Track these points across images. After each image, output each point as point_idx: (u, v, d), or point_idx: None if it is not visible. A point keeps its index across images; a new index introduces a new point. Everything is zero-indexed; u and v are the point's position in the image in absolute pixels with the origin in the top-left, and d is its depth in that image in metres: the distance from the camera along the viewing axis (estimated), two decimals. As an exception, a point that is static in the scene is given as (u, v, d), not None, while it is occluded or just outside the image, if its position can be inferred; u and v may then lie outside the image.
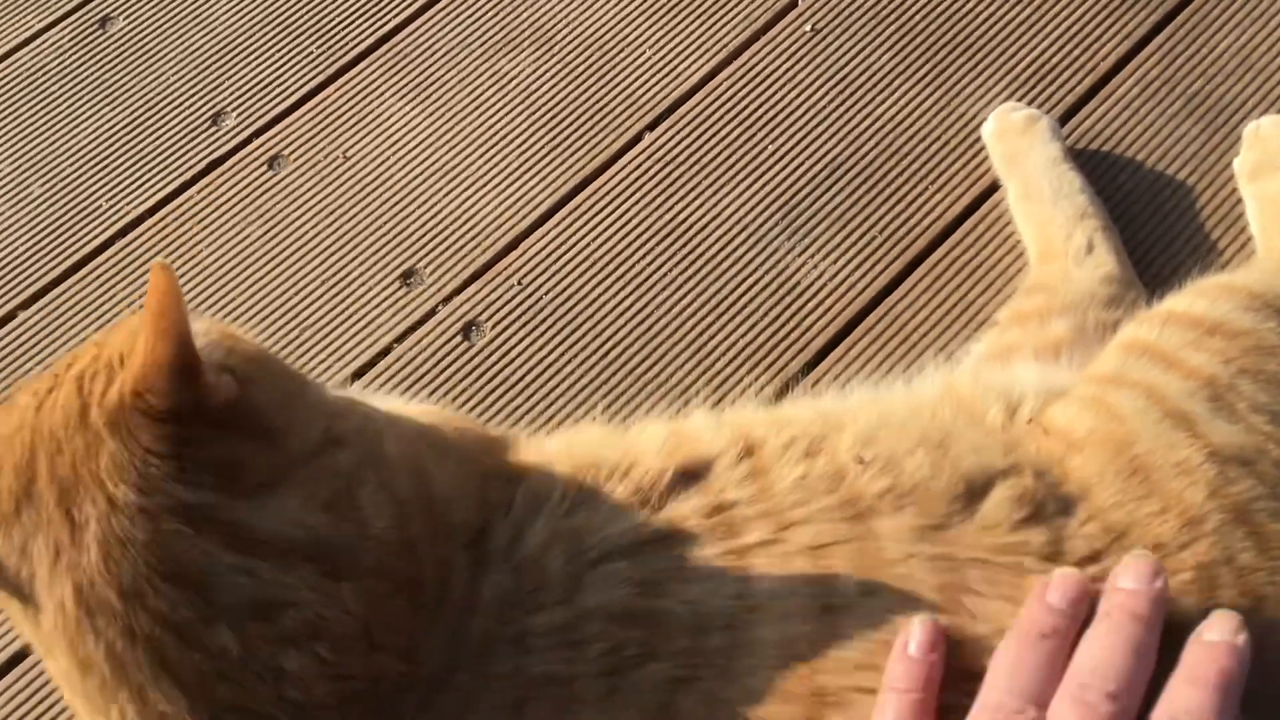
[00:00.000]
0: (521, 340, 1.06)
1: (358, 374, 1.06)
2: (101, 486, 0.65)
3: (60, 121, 1.20)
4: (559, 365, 1.04)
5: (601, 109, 1.17)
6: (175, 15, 1.25)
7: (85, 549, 0.65)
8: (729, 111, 1.15)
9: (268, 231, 1.13)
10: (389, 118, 1.17)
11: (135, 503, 0.64)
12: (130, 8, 1.26)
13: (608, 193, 1.13)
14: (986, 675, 0.67)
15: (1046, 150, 1.04)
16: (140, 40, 1.24)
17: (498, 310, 1.08)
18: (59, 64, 1.23)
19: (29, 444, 0.67)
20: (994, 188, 1.09)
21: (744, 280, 1.07)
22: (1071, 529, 0.71)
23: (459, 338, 1.07)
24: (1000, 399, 0.78)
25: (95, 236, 1.14)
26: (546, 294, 1.08)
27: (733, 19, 1.19)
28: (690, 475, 0.75)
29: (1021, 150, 1.05)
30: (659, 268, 1.08)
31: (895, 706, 0.67)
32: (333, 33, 1.22)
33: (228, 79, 1.21)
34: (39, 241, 1.14)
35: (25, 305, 1.12)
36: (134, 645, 0.64)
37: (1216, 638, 0.65)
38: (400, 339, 1.07)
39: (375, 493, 0.70)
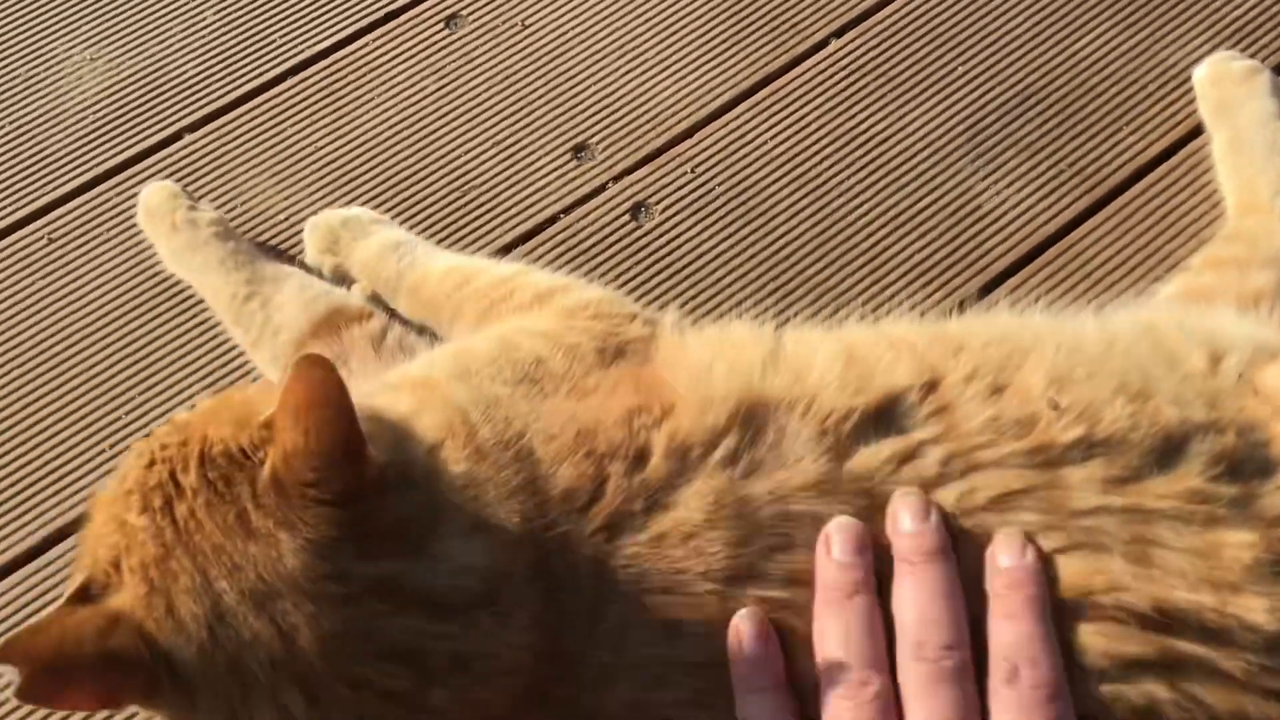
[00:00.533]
0: (690, 228, 1.04)
1: (523, 239, 1.04)
2: (298, 588, 0.65)
3: (238, -46, 1.17)
4: (725, 257, 1.02)
5: (789, 9, 1.15)
6: None
7: (302, 653, 0.64)
8: (920, 28, 1.13)
9: (440, 89, 1.11)
10: (572, -9, 1.14)
11: (336, 594, 0.64)
12: None
13: (790, 93, 1.10)
14: (815, 650, 0.67)
15: (1264, 105, 1.01)
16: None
17: (668, 195, 1.05)
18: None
19: (194, 566, 0.66)
20: (1190, 136, 1.05)
21: (923, 198, 1.05)
22: (1267, 489, 0.69)
23: (627, 217, 1.04)
24: (1203, 345, 0.75)
25: (265, 71, 1.13)
26: (719, 185, 1.06)
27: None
28: (876, 416, 0.72)
29: (1237, 100, 1.02)
30: (837, 174, 1.06)
31: (761, 705, 0.67)
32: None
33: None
34: (209, 67, 1.13)
35: (191, 128, 1.10)
36: None
37: (1009, 561, 0.66)
38: (567, 210, 1.05)
39: (498, 501, 0.69)
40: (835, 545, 0.68)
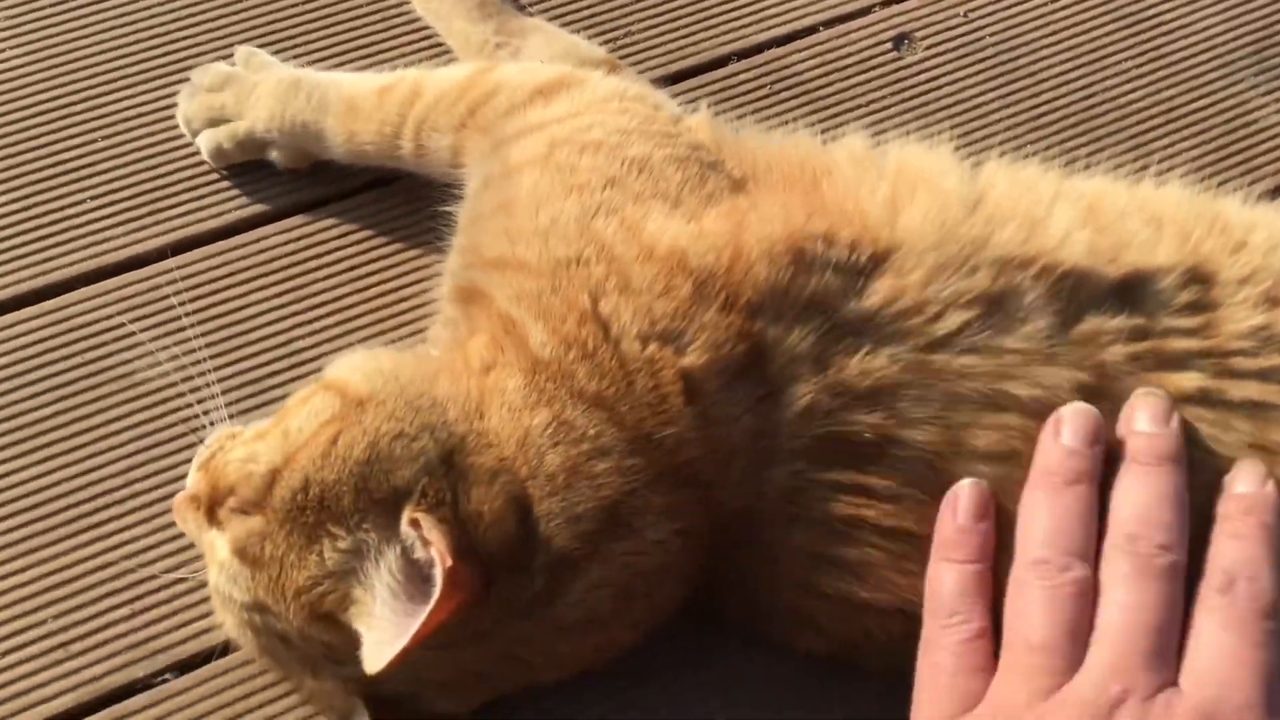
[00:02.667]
0: (951, 71, 0.99)
1: (778, 41, 0.99)
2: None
3: None
4: (982, 110, 0.98)
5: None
6: None
7: None
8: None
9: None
10: None
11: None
12: None
13: (1081, -39, 1.03)
14: (1018, 529, 0.63)
15: None
16: None
17: (935, 32, 1.00)
18: None
19: None
20: None
21: (1199, 98, 1.00)
22: None
23: (889, 45, 0.99)
24: None
25: None
26: (991, 35, 1.00)
27: None
28: (1121, 289, 0.68)
29: None
30: (1114, 53, 1.01)
31: (956, 577, 0.64)
32: None
33: None
34: None
35: None
36: None
37: (1247, 489, 0.64)
38: (829, 24, 1.00)
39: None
40: (1066, 430, 0.64)
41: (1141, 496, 0.64)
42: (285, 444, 0.65)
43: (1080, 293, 0.68)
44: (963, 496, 0.65)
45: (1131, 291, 0.69)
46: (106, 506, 0.78)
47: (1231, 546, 0.63)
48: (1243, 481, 0.65)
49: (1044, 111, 0.97)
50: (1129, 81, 0.99)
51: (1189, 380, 0.67)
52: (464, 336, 0.70)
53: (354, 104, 0.81)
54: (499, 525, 0.62)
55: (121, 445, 0.79)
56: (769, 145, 0.77)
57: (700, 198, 0.70)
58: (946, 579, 0.65)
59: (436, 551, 0.59)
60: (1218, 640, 0.60)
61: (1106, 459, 0.65)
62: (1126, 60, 1.00)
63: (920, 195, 0.70)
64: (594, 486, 0.64)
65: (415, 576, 0.62)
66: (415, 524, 0.61)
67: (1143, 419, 0.65)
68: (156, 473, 0.79)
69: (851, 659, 0.71)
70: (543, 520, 0.63)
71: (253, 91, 0.84)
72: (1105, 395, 0.66)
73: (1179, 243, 0.70)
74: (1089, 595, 0.62)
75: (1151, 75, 1.00)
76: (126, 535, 0.77)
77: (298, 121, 0.83)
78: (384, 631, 0.61)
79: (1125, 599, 0.61)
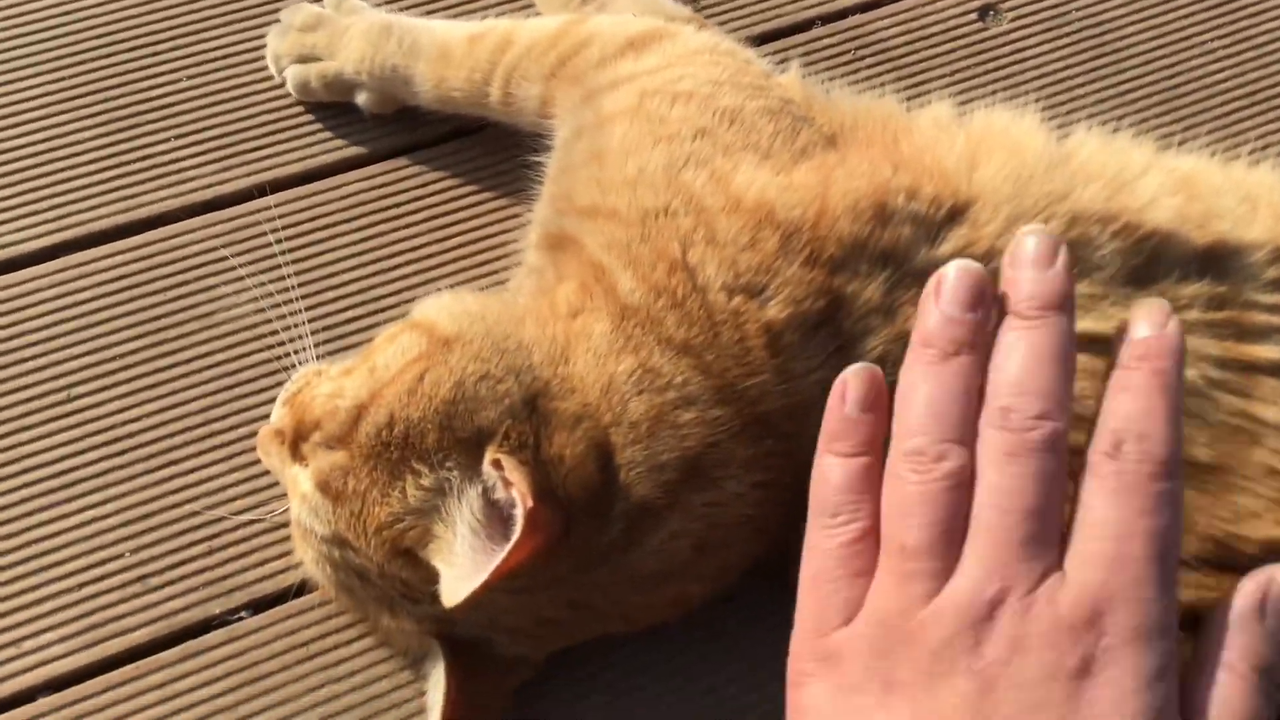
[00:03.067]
0: (1037, 43, 0.98)
1: (862, 8, 0.98)
2: None
3: None
4: (1067, 83, 0.97)
5: None
6: None
7: None
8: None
9: None
10: None
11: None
12: None
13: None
14: (895, 411, 0.57)
15: None
16: None
17: (1023, 4, 0.99)
18: None
19: None
20: None
21: (1284, 73, 0.97)
22: None
23: (974, 15, 0.98)
24: None
25: None
26: (1076, 7, 1.00)
27: None
28: (1205, 257, 0.67)
29: None
30: (1200, 32, 1.01)
31: (841, 471, 0.58)
32: None
33: None
34: None
35: None
36: None
37: (1145, 333, 0.56)
38: (915, -9, 0.98)
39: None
40: (945, 292, 0.56)
41: (1019, 359, 0.55)
42: (371, 380, 0.65)
43: (1163, 254, 0.67)
44: (850, 383, 0.58)
45: (1218, 261, 0.68)
46: (186, 445, 0.78)
47: (1121, 401, 0.55)
48: (1141, 324, 0.56)
49: (1129, 89, 0.96)
50: (1215, 61, 0.98)
51: (1267, 351, 0.66)
52: (552, 282, 0.70)
53: (445, 50, 0.81)
54: (580, 470, 0.63)
55: (202, 384, 0.80)
56: (856, 104, 0.77)
57: (793, 151, 0.70)
58: (830, 475, 0.58)
59: (518, 492, 0.59)
60: (1103, 514, 0.54)
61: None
62: (1213, 40, 0.99)
63: (999, 154, 0.70)
64: (678, 436, 0.63)
65: (496, 516, 0.62)
66: (497, 464, 0.61)
67: (1023, 259, 0.56)
68: (235, 413, 0.79)
69: None
70: (624, 468, 0.63)
71: (345, 33, 0.84)
72: None
73: (1274, 221, 0.70)
74: (967, 485, 0.55)
75: (1238, 55, 0.99)
76: (204, 474, 0.78)
77: (388, 65, 0.83)
78: (462, 568, 0.61)
79: (998, 482, 0.54)
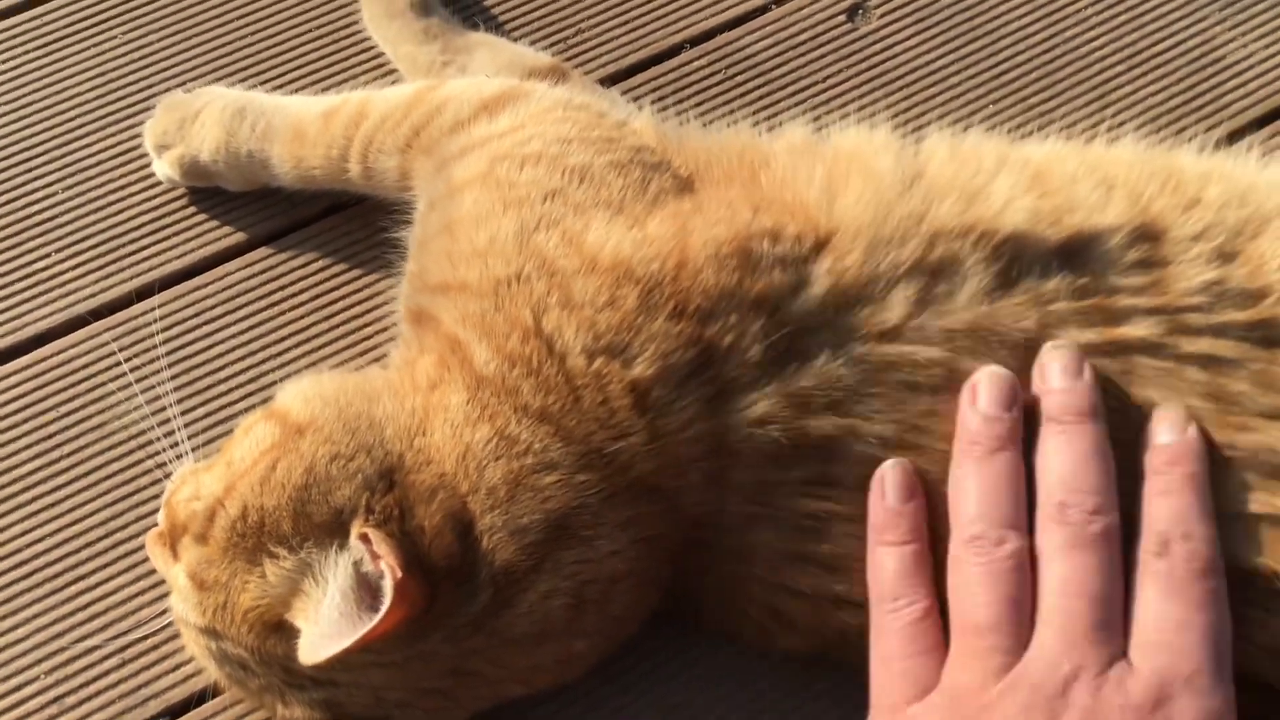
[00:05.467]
0: (908, 37, 0.97)
1: (731, 24, 0.99)
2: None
3: None
4: (943, 73, 0.96)
5: None
6: None
7: None
8: None
9: None
10: None
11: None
12: None
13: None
14: (950, 504, 0.63)
15: None
16: None
17: (890, -1, 0.97)
18: None
19: None
20: None
21: (1162, 38, 0.98)
22: None
23: (842, 16, 0.98)
24: None
25: None
26: (945, -5, 0.98)
27: None
28: (1067, 252, 0.67)
29: None
30: (1073, 1, 0.97)
31: (895, 560, 0.64)
32: None
33: None
34: None
35: None
36: None
37: (1170, 438, 0.63)
38: (780, 1, 0.98)
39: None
40: (982, 396, 0.64)
41: (1066, 459, 0.63)
42: (228, 474, 0.66)
43: (1020, 257, 0.67)
44: (889, 478, 0.64)
45: (1075, 254, 0.68)
46: (91, 559, 0.79)
47: (1162, 505, 0.63)
48: (1164, 431, 0.64)
49: (1005, 69, 0.96)
50: (1090, 30, 0.98)
51: (1135, 331, 0.66)
52: (414, 356, 0.70)
53: (299, 129, 0.81)
54: (440, 540, 0.63)
55: (101, 495, 0.80)
56: (711, 140, 0.76)
57: (644, 203, 0.70)
58: (886, 564, 0.64)
59: (386, 565, 0.60)
60: (1160, 608, 0.61)
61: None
62: (1087, 8, 0.99)
63: (854, 178, 0.69)
64: (540, 499, 0.64)
65: (365, 586, 0.63)
66: (365, 538, 0.62)
67: (1055, 374, 0.64)
68: (136, 520, 0.80)
69: (831, 656, 0.70)
70: (485, 534, 0.64)
71: (196, 118, 0.84)
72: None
73: (1129, 203, 0.69)
74: (1027, 566, 0.62)
75: (1113, 21, 0.99)
76: (111, 585, 0.78)
77: (243, 151, 0.83)
78: (326, 629, 0.62)
79: (1065, 572, 0.61)
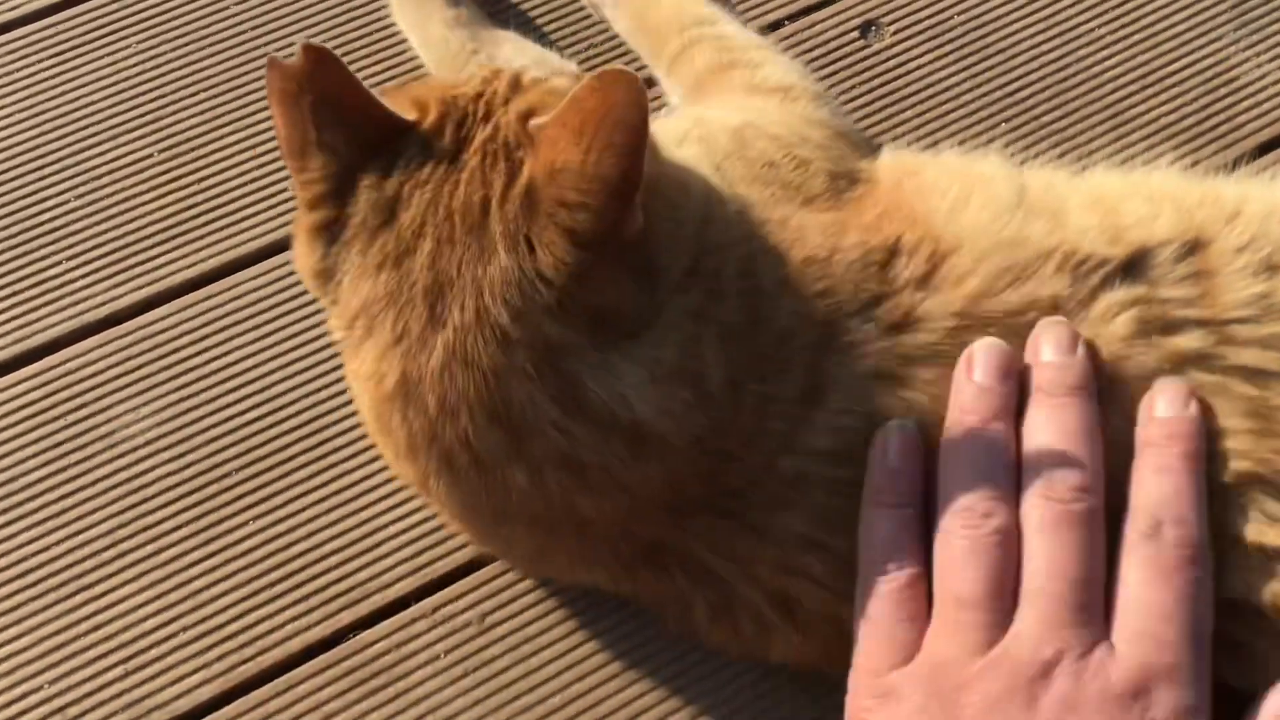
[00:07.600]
0: (921, 54, 0.97)
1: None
2: (479, 298, 0.61)
3: None
4: (956, 90, 0.95)
5: None
6: None
7: (430, 350, 0.62)
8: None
9: None
10: None
11: (503, 327, 0.61)
12: None
13: (1045, -68, 1.01)
14: (939, 474, 0.63)
15: None
16: None
17: (903, 16, 0.99)
18: None
19: (420, 221, 0.63)
20: None
21: (1177, 59, 0.97)
22: None
23: (855, 33, 0.97)
24: None
25: None
26: (958, 14, 0.99)
27: None
28: (1129, 267, 0.68)
29: None
30: (1087, 21, 0.99)
31: (887, 522, 0.63)
32: None
33: None
34: None
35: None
36: (430, 446, 0.64)
37: (1169, 412, 0.62)
38: (794, 17, 0.98)
39: (717, 342, 0.65)
40: (978, 367, 0.63)
41: (1052, 433, 0.63)
42: None
43: (1094, 275, 0.69)
44: (891, 439, 0.64)
45: (1134, 267, 0.69)
46: (96, 568, 0.78)
47: (1155, 482, 0.62)
48: (1164, 404, 0.63)
49: (1018, 88, 0.96)
50: (1104, 49, 0.97)
51: (1187, 342, 0.66)
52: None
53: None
54: None
55: (108, 505, 0.80)
56: None
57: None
58: (878, 525, 0.64)
59: None
60: (1146, 595, 0.60)
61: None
62: (1100, 27, 0.98)
63: (975, 202, 0.71)
64: None
65: None
66: None
67: (1047, 348, 0.64)
68: (142, 530, 0.79)
69: (819, 666, 0.70)
70: None
71: None
72: (1117, 375, 0.66)
73: (1177, 216, 0.70)
74: (1013, 540, 0.61)
75: (1127, 40, 0.98)
76: (116, 595, 0.78)
77: None
78: None
79: (1049, 551, 0.61)
